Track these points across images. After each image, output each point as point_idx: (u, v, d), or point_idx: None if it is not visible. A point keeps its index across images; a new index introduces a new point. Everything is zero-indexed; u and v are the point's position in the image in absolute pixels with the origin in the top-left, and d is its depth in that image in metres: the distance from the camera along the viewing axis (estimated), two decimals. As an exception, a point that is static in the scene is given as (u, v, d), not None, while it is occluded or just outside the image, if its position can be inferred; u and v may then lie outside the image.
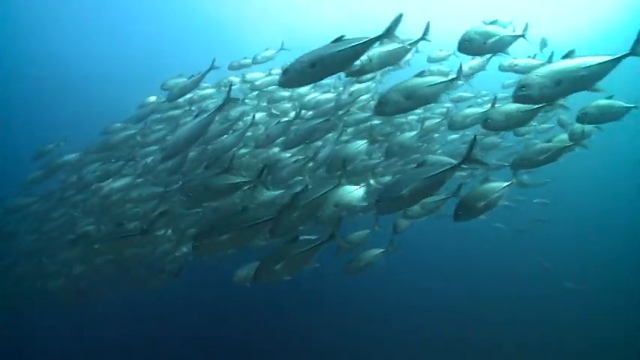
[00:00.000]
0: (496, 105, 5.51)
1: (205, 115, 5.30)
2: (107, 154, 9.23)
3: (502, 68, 7.52)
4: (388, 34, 4.13)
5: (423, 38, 5.15)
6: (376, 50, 4.89)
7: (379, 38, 4.10)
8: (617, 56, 4.05)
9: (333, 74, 4.27)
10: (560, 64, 4.11)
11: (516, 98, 4.22)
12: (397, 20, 4.15)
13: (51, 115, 30.57)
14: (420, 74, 4.77)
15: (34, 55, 29.45)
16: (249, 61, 10.29)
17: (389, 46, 4.90)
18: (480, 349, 14.74)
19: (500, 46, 5.17)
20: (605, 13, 26.95)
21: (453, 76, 4.81)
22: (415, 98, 4.55)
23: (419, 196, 4.39)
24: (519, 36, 5.47)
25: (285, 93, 9.17)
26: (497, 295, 18.63)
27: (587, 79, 4.08)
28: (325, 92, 8.57)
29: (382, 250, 6.84)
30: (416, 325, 16.05)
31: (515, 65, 7.27)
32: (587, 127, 7.45)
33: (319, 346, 14.46)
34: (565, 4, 26.63)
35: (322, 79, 4.24)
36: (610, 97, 6.03)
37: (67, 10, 26.89)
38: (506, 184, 5.18)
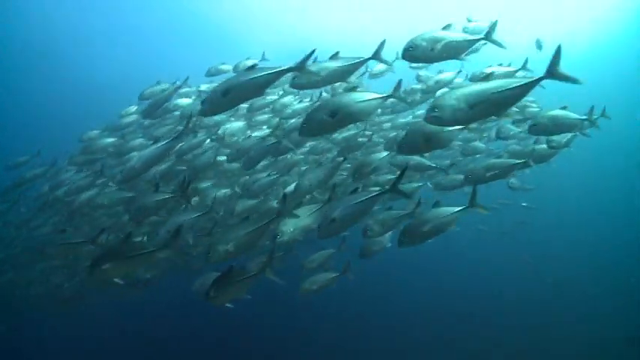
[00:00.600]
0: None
1: (164, 143, 5.29)
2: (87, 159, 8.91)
3: (472, 78, 6.73)
4: (300, 66, 4.05)
5: (372, 58, 4.81)
6: (324, 66, 4.61)
7: (290, 70, 4.02)
8: (533, 79, 3.57)
9: (247, 101, 4.40)
10: (476, 86, 3.62)
11: (428, 120, 3.67)
12: (310, 55, 4.07)
13: (34, 119, 30.43)
14: (353, 89, 4.21)
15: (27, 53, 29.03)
16: (228, 66, 9.65)
17: (337, 62, 4.65)
18: (477, 350, 14.04)
19: (453, 52, 4.41)
20: (606, 13, 25.58)
21: (386, 94, 4.15)
22: (342, 116, 3.96)
23: (351, 221, 4.33)
24: (479, 39, 4.65)
25: (265, 100, 8.57)
26: (492, 296, 17.89)
27: (503, 103, 3.61)
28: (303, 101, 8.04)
29: (337, 274, 6.35)
30: (409, 326, 15.40)
31: (483, 74, 6.45)
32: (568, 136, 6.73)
33: (314, 348, 14.03)
34: (565, 4, 25.30)
35: (237, 105, 4.26)
36: (564, 108, 5.42)
37: (65, 10, 26.40)
38: (458, 209, 4.52)
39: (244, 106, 8.53)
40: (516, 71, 6.55)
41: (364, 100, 4.00)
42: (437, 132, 4.17)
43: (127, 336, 13.40)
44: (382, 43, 4.78)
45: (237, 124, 8.41)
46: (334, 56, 4.74)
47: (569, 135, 6.16)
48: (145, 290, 9.48)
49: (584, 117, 5.39)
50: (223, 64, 9.67)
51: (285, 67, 3.97)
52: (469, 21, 9.43)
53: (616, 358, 12.87)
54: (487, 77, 3.82)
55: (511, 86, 3.54)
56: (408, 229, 4.48)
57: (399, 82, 4.20)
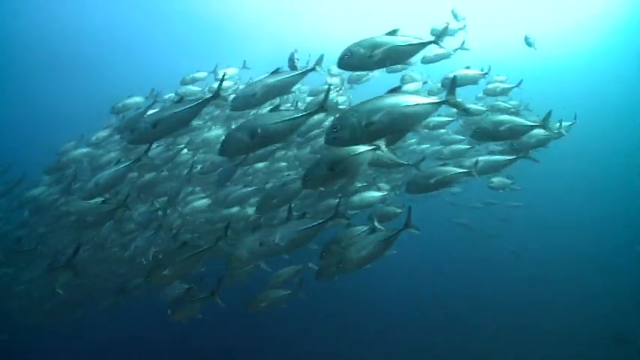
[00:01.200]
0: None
1: (125, 165, 5.31)
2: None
3: (444, 83, 6.15)
4: (216, 95, 4.09)
5: (313, 69, 4.71)
6: (261, 82, 4.41)
7: (209, 100, 4.06)
8: (435, 101, 3.41)
9: (175, 131, 4.33)
10: (379, 102, 3.25)
11: (328, 141, 3.29)
12: (222, 81, 4.13)
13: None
14: (275, 108, 3.93)
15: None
16: (203, 74, 9.15)
17: (275, 77, 4.46)
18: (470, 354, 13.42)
19: (395, 58, 3.89)
20: (607, 10, 24.41)
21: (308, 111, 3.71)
22: (263, 137, 3.60)
23: (293, 245, 4.20)
24: (428, 43, 4.06)
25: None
26: (478, 297, 17.21)
27: (408, 120, 3.31)
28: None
29: (289, 292, 6.14)
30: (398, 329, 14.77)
31: (447, 79, 5.85)
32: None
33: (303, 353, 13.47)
34: (561, 3, 24.18)
35: (165, 136, 4.25)
36: (514, 113, 5.16)
37: (62, 12, 25.80)
38: (392, 233, 4.23)
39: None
40: (482, 75, 5.93)
41: (282, 121, 3.61)
42: (343, 159, 3.66)
43: (121, 341, 13.14)
44: (321, 57, 4.69)
45: (215, 133, 8.02)
46: (275, 72, 4.53)
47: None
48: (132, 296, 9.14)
49: (536, 124, 4.78)
50: (198, 71, 9.14)
51: (205, 98, 4.02)
52: (454, 15, 8.81)
53: (604, 357, 12.41)
54: (394, 90, 3.40)
55: (414, 104, 3.27)
56: (345, 256, 4.18)
57: (327, 91, 3.67)
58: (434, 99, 3.34)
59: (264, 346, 13.55)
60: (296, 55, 5.87)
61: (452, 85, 3.35)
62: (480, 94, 8.43)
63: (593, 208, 26.60)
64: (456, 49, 7.23)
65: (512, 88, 7.36)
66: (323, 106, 3.58)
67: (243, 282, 6.87)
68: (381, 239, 4.10)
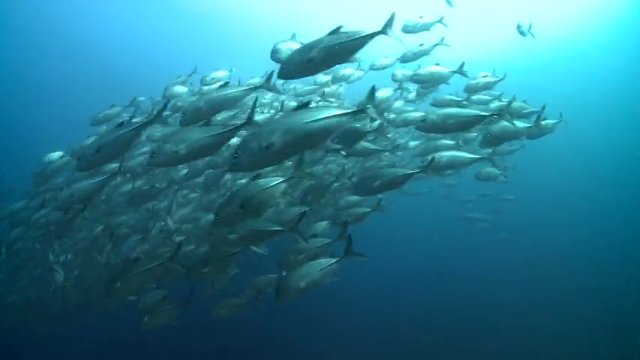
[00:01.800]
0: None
1: (101, 178, 5.27)
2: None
3: (415, 79, 5.87)
4: (157, 118, 4.16)
5: (263, 85, 4.66)
6: (206, 96, 4.50)
7: (149, 123, 4.08)
8: (349, 111, 3.14)
9: (119, 155, 4.32)
10: (276, 123, 3.06)
11: (230, 168, 3.12)
12: (164, 107, 4.27)
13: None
14: (207, 122, 3.89)
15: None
16: (182, 78, 9.00)
17: (221, 91, 4.49)
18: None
19: (337, 56, 3.65)
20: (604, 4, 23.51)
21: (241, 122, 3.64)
22: (191, 151, 3.57)
23: (244, 242, 4.30)
24: (375, 34, 3.77)
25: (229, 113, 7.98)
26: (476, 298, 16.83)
27: (316, 135, 3.03)
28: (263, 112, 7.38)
29: (245, 300, 6.26)
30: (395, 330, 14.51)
31: (416, 75, 5.58)
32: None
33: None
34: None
35: (111, 160, 4.31)
36: (463, 106, 4.97)
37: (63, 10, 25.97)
38: (333, 261, 4.18)
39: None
40: (453, 73, 5.64)
41: (212, 135, 3.59)
42: (253, 195, 3.56)
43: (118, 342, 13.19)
44: (271, 73, 4.57)
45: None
46: (223, 85, 4.63)
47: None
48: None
49: (488, 114, 4.46)
50: (180, 76, 9.00)
51: (145, 121, 4.06)
52: (448, 1, 8.49)
53: (604, 357, 12.05)
54: (303, 106, 3.14)
55: (317, 119, 3.00)
56: (284, 283, 4.08)
57: (253, 106, 3.54)
58: (342, 111, 3.06)
59: (262, 346, 13.46)
60: (279, 47, 5.62)
61: (369, 96, 3.14)
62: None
63: (590, 205, 25.96)
64: (436, 45, 6.95)
65: (497, 81, 7.06)
66: (248, 121, 3.49)
67: (224, 288, 6.84)
68: (320, 269, 4.04)
